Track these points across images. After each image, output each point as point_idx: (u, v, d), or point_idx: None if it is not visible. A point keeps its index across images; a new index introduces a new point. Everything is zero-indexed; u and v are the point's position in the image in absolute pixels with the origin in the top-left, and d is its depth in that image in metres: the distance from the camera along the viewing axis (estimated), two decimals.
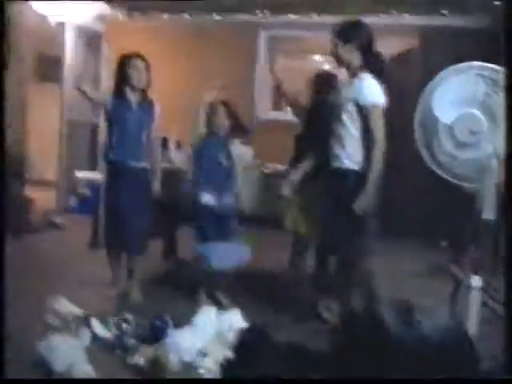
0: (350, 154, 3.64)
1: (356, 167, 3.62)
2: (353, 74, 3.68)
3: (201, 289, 4.49)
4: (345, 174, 3.68)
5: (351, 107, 3.60)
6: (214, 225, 4.39)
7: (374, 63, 3.66)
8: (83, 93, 4.43)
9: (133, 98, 4.42)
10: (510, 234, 2.88)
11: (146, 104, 4.48)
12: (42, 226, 6.86)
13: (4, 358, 2.75)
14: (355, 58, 3.67)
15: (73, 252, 5.81)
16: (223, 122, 4.40)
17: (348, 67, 3.72)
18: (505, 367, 2.58)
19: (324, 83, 4.19)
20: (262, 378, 2.99)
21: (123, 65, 4.40)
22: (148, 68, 4.43)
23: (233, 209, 4.52)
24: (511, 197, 2.82)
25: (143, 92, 4.46)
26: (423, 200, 5.85)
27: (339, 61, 3.74)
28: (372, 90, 3.55)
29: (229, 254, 4.37)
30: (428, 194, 5.49)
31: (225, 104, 4.44)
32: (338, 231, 3.67)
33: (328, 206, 3.88)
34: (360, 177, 3.59)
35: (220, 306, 4.17)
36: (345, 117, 3.63)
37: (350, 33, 3.70)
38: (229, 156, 4.48)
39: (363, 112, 3.56)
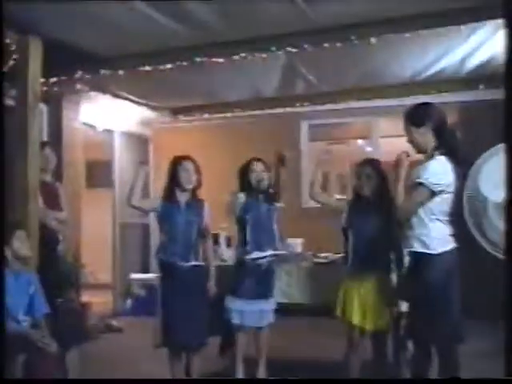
0: (419, 237, 3.59)
1: (428, 250, 3.55)
2: (430, 156, 3.61)
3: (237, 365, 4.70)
4: (420, 257, 3.63)
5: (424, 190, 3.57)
6: (255, 282, 4.62)
7: (449, 142, 3.61)
8: (136, 208, 4.61)
9: (182, 198, 4.52)
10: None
11: (195, 203, 4.57)
12: (101, 330, 6.91)
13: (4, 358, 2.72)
14: (430, 140, 3.63)
15: (132, 354, 5.82)
16: (264, 176, 4.69)
17: (425, 151, 3.66)
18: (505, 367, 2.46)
19: (370, 170, 4.20)
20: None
21: (173, 167, 4.54)
22: (198, 169, 4.56)
23: (273, 267, 4.72)
24: None
25: (193, 192, 4.56)
26: (479, 279, 5.73)
27: (415, 145, 3.68)
28: (432, 172, 3.48)
29: (254, 316, 4.64)
30: (484, 272, 5.38)
31: (261, 160, 4.76)
32: (428, 317, 3.56)
33: (406, 292, 3.83)
34: (438, 257, 3.54)
35: None
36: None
37: (421, 115, 3.65)
38: (270, 216, 4.71)
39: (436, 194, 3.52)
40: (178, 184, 4.51)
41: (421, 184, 3.52)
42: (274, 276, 4.77)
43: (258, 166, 4.74)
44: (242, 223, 4.72)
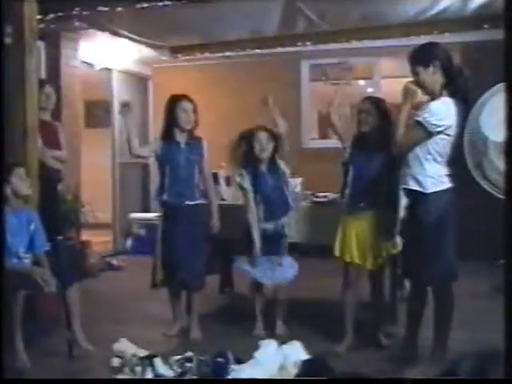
0: (415, 175, 3.60)
1: (422, 189, 3.57)
2: (436, 96, 3.58)
3: (257, 322, 4.61)
4: (415, 195, 3.64)
5: (420, 130, 3.56)
6: (267, 246, 4.52)
7: (458, 80, 3.56)
8: (139, 157, 4.63)
9: (181, 138, 4.50)
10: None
11: (195, 142, 4.56)
12: (101, 268, 7.00)
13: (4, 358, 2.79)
14: (439, 79, 3.58)
15: (132, 292, 5.92)
16: (266, 144, 4.50)
17: (433, 92, 3.61)
18: (505, 367, 2.50)
19: (374, 107, 4.17)
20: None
21: (172, 107, 4.50)
22: (195, 109, 4.53)
23: (285, 230, 4.60)
24: None
25: (190, 131, 4.54)
26: (477, 219, 5.77)
27: (424, 87, 3.61)
28: (435, 112, 3.46)
29: (276, 272, 4.54)
30: (481, 211, 5.42)
31: (265, 128, 4.55)
32: (424, 255, 3.61)
33: (403, 230, 3.87)
34: (432, 197, 3.56)
35: (278, 337, 4.18)
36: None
37: (428, 55, 3.60)
38: (280, 179, 4.57)
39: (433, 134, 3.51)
40: (176, 124, 4.48)
41: (418, 123, 3.51)
42: (285, 237, 4.62)
43: (261, 136, 4.51)
44: (253, 196, 4.56)
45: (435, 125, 3.48)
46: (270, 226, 4.53)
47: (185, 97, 4.55)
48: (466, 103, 3.52)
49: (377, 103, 4.21)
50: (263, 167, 4.56)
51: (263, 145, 4.51)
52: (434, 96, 3.60)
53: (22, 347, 3.81)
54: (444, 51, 3.64)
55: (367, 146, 4.15)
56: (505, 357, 2.53)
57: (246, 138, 4.57)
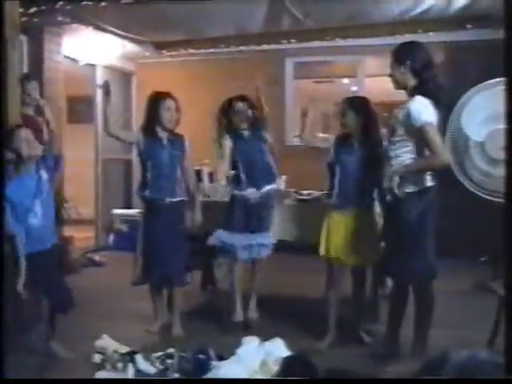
0: (396, 174, 3.60)
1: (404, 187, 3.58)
2: (409, 96, 3.62)
3: (236, 306, 4.66)
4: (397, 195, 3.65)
5: (402, 130, 3.59)
6: (248, 216, 4.58)
7: (428, 84, 3.59)
8: (114, 137, 4.55)
9: (163, 135, 4.49)
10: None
11: (177, 139, 4.55)
12: (83, 264, 6.96)
13: (4, 358, 2.77)
14: (409, 79, 3.63)
15: (114, 289, 5.89)
16: (246, 114, 4.58)
17: (404, 88, 3.67)
18: (505, 367, 2.52)
19: (355, 108, 4.18)
20: None
21: (155, 105, 4.47)
22: (178, 108, 4.52)
23: (269, 201, 4.67)
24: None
25: (172, 129, 4.53)
26: (460, 217, 5.82)
27: (396, 83, 3.71)
28: (422, 111, 3.47)
29: (254, 246, 4.61)
30: (464, 210, 5.48)
31: (242, 98, 4.63)
32: (405, 253, 3.63)
33: (385, 228, 3.89)
34: (415, 196, 3.58)
35: (250, 321, 4.22)
36: (396, 138, 3.63)
37: (404, 54, 3.65)
38: (262, 146, 4.65)
39: (417, 133, 3.52)
40: (159, 122, 4.46)
41: (399, 122, 3.54)
42: (269, 210, 4.69)
43: (240, 106, 4.60)
44: (234, 164, 4.64)
45: (414, 123, 3.50)
46: (252, 194, 4.55)
47: (168, 95, 4.53)
48: (440, 106, 3.55)
49: (358, 103, 4.21)
50: (245, 134, 4.62)
51: (241, 114, 4.56)
52: (408, 96, 3.64)
53: None
54: (420, 53, 3.66)
55: (351, 146, 4.17)
56: (505, 357, 2.54)
57: (225, 110, 4.64)
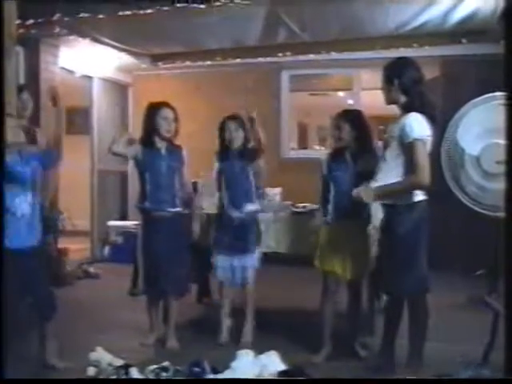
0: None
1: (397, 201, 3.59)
2: (403, 111, 3.63)
3: (222, 327, 4.63)
4: (390, 207, 3.65)
5: (395, 145, 3.60)
6: (232, 238, 4.53)
7: (418, 102, 3.58)
8: (116, 154, 4.52)
9: (161, 145, 4.49)
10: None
11: (175, 150, 4.55)
12: (77, 276, 6.94)
13: (4, 358, 2.75)
14: (398, 96, 3.64)
15: (109, 301, 5.88)
16: (236, 135, 4.55)
17: (394, 103, 3.69)
18: (505, 367, 2.53)
19: (350, 121, 4.18)
20: None
21: (152, 114, 4.48)
22: (176, 117, 4.52)
23: (254, 221, 4.63)
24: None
25: (170, 140, 4.53)
26: (455, 231, 5.83)
27: (386, 99, 3.72)
28: (414, 127, 3.47)
29: (236, 270, 4.56)
30: (460, 224, 5.49)
31: (234, 117, 4.61)
32: (397, 267, 3.63)
33: (379, 241, 3.89)
34: (405, 209, 3.58)
35: (243, 345, 4.21)
36: (388, 153, 3.63)
37: (392, 73, 3.66)
38: (247, 170, 4.60)
39: (407, 148, 3.52)
40: (157, 132, 4.46)
41: (392, 138, 3.55)
42: (252, 231, 4.62)
43: (230, 125, 4.56)
44: (218, 183, 4.64)
45: (405, 139, 3.51)
46: (236, 213, 4.52)
47: (165, 104, 4.53)
48: (435, 123, 3.56)
49: (351, 117, 4.22)
50: (233, 154, 4.58)
51: (232, 133, 4.54)
52: (401, 112, 3.65)
53: None
54: (409, 71, 3.65)
55: (344, 162, 4.18)
56: (505, 357, 2.54)
57: (220, 128, 4.63)
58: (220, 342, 4.53)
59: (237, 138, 4.56)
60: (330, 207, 4.20)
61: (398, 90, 3.63)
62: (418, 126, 3.49)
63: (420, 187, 3.53)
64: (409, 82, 3.61)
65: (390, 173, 3.59)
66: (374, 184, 3.62)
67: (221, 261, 4.58)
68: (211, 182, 4.71)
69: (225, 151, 4.61)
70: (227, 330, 4.64)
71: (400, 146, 3.53)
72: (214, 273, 4.65)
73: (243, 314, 4.65)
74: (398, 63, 3.73)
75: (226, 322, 4.66)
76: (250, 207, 4.57)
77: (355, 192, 3.69)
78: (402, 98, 3.63)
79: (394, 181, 3.56)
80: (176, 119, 4.52)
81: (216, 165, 4.64)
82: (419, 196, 3.58)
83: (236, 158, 4.58)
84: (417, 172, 3.45)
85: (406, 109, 3.59)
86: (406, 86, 3.60)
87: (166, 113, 4.47)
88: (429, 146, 3.55)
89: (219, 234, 4.59)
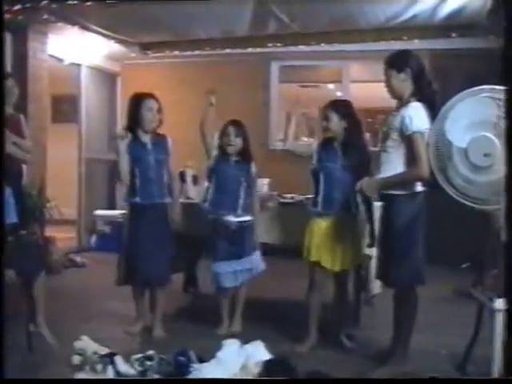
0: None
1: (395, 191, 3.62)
2: (405, 103, 3.63)
3: (223, 322, 4.61)
4: (387, 198, 3.67)
5: (396, 136, 3.61)
6: (231, 244, 4.51)
7: (425, 91, 3.63)
8: (120, 137, 4.47)
9: (146, 138, 4.46)
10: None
11: (160, 141, 4.52)
12: (64, 265, 6.92)
13: (4, 358, 2.75)
14: (408, 86, 3.65)
15: (95, 290, 5.87)
16: (235, 141, 4.51)
17: (400, 97, 3.69)
18: (505, 367, 2.54)
19: (339, 111, 4.18)
20: None
21: (136, 105, 4.44)
22: (160, 109, 4.48)
23: (251, 226, 4.60)
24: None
25: (154, 131, 4.50)
26: (441, 223, 5.84)
27: (391, 90, 3.72)
28: (413, 119, 3.50)
29: (238, 274, 4.54)
30: (446, 217, 5.50)
31: (234, 123, 4.56)
32: (394, 258, 3.64)
33: (379, 232, 3.90)
34: (404, 199, 3.60)
35: (233, 334, 4.21)
36: (389, 144, 3.65)
37: (403, 62, 3.67)
38: (247, 175, 4.58)
39: (407, 140, 3.54)
40: (141, 124, 4.42)
41: (393, 129, 3.57)
42: (245, 236, 4.58)
43: (230, 130, 4.51)
44: (208, 183, 4.62)
45: (405, 130, 3.52)
46: (231, 218, 4.50)
47: (149, 95, 4.49)
48: (433, 112, 3.58)
49: (339, 108, 4.21)
50: (229, 160, 4.55)
51: (230, 139, 4.51)
52: (401, 101, 3.67)
53: None
54: (418, 62, 3.71)
55: (334, 152, 4.17)
56: (505, 357, 2.55)
57: (221, 132, 4.58)
58: (219, 332, 4.50)
59: (236, 144, 4.52)
60: (320, 198, 4.20)
61: (408, 80, 3.64)
62: (417, 118, 3.52)
63: (421, 179, 3.57)
64: (419, 71, 3.66)
65: (391, 164, 3.62)
66: (377, 176, 3.65)
67: (222, 267, 4.52)
68: (199, 173, 4.66)
69: (222, 155, 4.56)
70: (227, 323, 4.64)
71: (400, 137, 3.56)
72: (216, 280, 4.55)
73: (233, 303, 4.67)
74: (406, 53, 3.76)
75: (226, 316, 4.65)
76: (243, 218, 4.54)
77: (358, 185, 3.71)
78: (410, 88, 3.65)
79: (396, 171, 3.59)
80: (160, 110, 4.48)
81: (210, 162, 4.58)
82: (419, 187, 3.61)
83: (232, 164, 4.55)
84: (417, 164, 3.49)
85: (413, 99, 3.61)
86: (417, 74, 3.64)
87: (151, 104, 4.43)
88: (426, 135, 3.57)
89: (215, 241, 4.54)
